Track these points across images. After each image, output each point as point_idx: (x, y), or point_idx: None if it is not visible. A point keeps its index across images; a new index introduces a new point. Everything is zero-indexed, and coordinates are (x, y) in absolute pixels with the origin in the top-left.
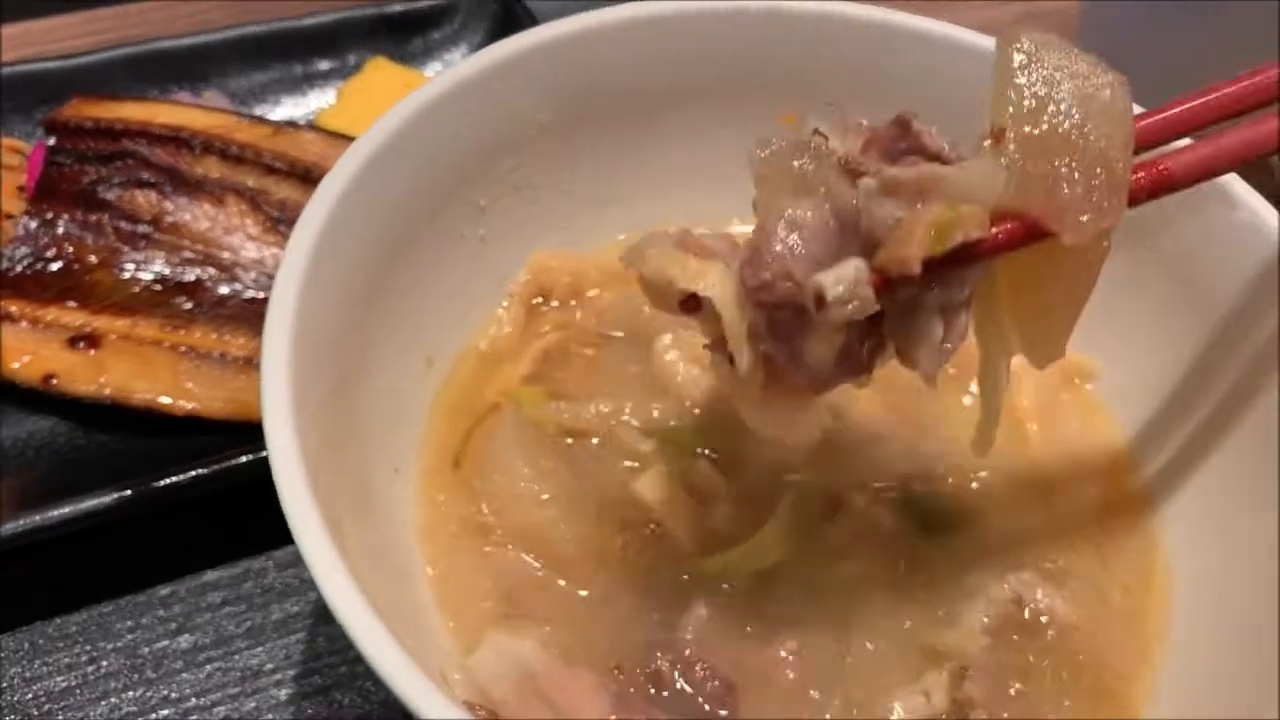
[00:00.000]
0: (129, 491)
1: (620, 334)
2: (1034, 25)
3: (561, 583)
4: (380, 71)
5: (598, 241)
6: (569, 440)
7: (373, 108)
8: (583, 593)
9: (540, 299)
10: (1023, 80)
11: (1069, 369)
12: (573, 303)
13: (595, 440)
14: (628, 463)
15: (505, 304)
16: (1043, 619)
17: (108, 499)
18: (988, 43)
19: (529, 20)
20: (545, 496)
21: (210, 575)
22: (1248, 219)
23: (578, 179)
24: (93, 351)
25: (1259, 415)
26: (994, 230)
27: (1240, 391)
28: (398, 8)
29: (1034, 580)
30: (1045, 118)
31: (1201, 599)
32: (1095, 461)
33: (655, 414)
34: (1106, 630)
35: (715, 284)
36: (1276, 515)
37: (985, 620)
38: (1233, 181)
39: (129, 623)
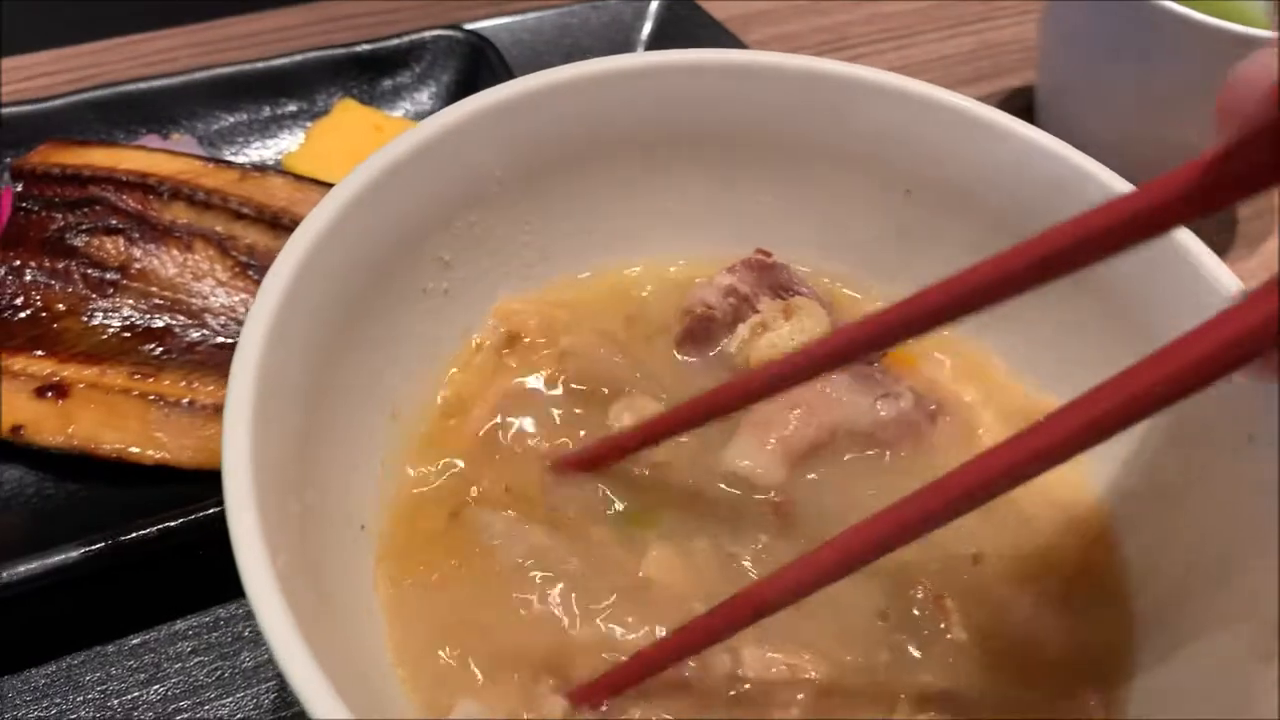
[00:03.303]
0: (97, 545)
1: (582, 388)
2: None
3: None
4: (348, 113)
5: (562, 281)
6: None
7: (340, 149)
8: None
9: (508, 348)
10: None
11: (1030, 409)
12: (541, 341)
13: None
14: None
15: (471, 352)
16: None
17: (75, 553)
18: (939, 94)
19: (497, 60)
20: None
21: (181, 624)
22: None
23: (540, 229)
24: (60, 401)
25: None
26: None
27: (1201, 430)
28: (366, 48)
29: None
30: None
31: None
32: (1068, 502)
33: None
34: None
35: None
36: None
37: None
38: (1183, 235)
39: (98, 674)
